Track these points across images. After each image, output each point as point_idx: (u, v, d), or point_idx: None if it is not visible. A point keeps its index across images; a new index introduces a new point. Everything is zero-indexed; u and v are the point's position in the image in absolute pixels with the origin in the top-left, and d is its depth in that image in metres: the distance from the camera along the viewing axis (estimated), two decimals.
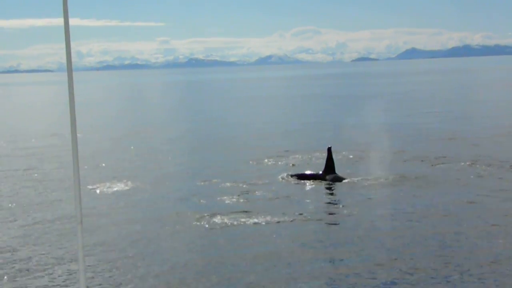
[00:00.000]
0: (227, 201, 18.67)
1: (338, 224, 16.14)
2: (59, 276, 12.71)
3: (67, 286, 12.15)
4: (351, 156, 26.26)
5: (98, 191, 21.00)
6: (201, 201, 18.87)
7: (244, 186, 20.88)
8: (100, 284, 12.14)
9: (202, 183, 21.67)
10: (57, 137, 36.40)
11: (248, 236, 15.00)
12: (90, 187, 21.41)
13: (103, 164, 26.56)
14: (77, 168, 6.32)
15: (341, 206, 17.95)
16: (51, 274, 12.87)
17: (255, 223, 15.97)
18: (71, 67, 6.34)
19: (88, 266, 12.70)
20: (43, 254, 14.22)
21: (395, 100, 61.54)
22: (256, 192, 19.88)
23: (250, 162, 25.75)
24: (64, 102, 74.92)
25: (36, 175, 24.54)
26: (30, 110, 68.30)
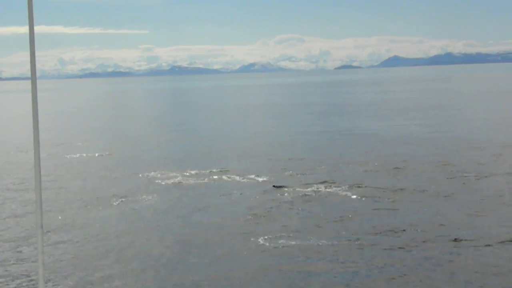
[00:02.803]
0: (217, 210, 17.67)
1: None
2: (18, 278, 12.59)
3: None
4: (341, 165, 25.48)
5: (115, 203, 20.20)
6: (200, 214, 17.87)
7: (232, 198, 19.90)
8: None
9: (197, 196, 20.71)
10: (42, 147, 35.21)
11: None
12: (104, 198, 20.60)
13: (103, 177, 25.50)
14: (39, 173, 6.33)
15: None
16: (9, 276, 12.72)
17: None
18: (35, 74, 6.36)
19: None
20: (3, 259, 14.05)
21: (382, 109, 61.02)
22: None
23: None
24: (45, 110, 73.38)
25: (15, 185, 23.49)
26: (14, 119, 67.01)
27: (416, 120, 47.38)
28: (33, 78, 6.43)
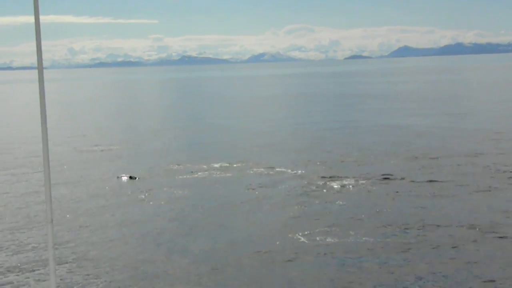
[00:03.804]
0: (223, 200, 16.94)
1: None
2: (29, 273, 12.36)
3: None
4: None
5: (137, 196, 19.45)
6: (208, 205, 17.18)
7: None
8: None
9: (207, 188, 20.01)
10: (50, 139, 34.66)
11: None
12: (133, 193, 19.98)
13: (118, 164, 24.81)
14: (48, 167, 6.38)
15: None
16: (20, 274, 12.42)
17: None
18: (41, 64, 6.38)
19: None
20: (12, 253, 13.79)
21: (399, 99, 60.20)
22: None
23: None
24: (55, 100, 72.86)
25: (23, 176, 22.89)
26: (23, 109, 66.58)
27: (436, 110, 46.55)
28: (40, 69, 6.39)
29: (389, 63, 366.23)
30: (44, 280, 11.91)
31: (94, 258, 13.26)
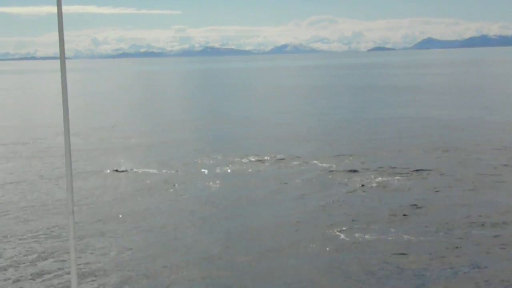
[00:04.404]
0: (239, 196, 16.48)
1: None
2: (50, 267, 12.18)
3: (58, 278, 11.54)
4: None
5: (165, 190, 19.01)
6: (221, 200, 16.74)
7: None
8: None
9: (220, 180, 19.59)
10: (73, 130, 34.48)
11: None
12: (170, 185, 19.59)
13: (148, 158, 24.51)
14: (69, 158, 6.46)
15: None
16: (41, 265, 12.29)
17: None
18: (63, 56, 6.40)
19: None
20: (34, 245, 13.63)
21: (426, 91, 59.34)
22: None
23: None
24: (79, 91, 72.99)
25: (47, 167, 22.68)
26: (48, 99, 66.67)
27: (463, 103, 45.78)
28: (62, 60, 6.39)
29: (413, 55, 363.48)
30: (65, 269, 11.87)
31: (112, 251, 13.04)
